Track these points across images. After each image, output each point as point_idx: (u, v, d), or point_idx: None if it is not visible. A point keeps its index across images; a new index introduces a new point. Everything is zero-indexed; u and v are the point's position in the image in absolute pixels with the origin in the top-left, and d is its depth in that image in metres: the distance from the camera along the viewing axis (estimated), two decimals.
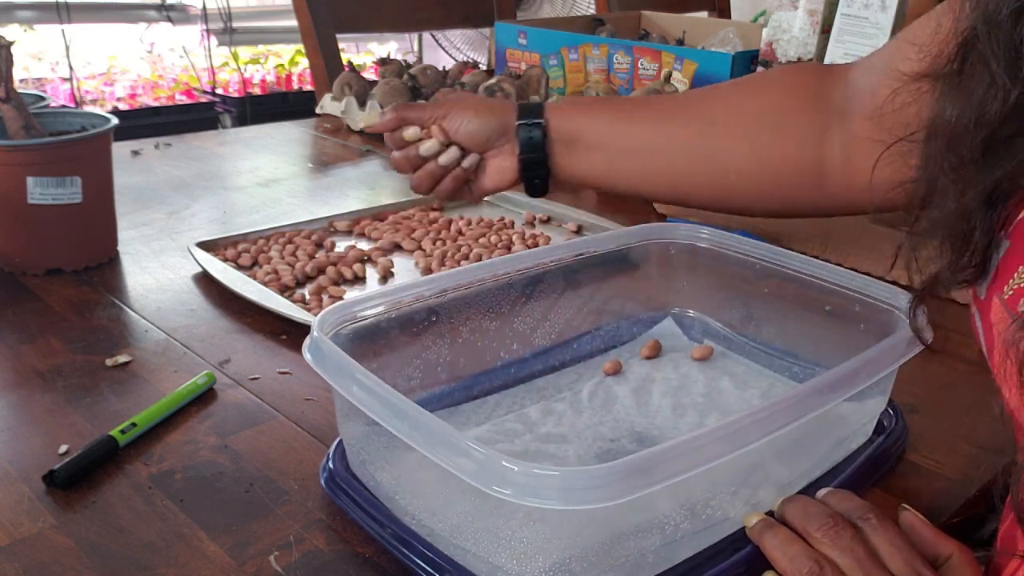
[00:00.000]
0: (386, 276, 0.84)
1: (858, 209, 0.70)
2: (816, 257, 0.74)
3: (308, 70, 1.80)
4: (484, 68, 1.59)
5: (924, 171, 0.45)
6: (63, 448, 0.55)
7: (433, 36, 2.67)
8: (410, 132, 0.75)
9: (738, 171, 0.70)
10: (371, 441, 0.50)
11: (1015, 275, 0.40)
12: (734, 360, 0.67)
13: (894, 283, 0.59)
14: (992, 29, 0.39)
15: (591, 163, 0.73)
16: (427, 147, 0.74)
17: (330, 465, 0.53)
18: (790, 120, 0.69)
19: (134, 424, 0.56)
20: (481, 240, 0.91)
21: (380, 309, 0.54)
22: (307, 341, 0.49)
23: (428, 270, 0.84)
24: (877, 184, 0.54)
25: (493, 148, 0.75)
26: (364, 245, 0.91)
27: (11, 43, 0.77)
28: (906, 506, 0.46)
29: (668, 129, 0.71)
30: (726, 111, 0.72)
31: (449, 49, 2.64)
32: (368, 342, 0.54)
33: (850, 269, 0.62)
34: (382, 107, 1.34)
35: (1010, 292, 0.41)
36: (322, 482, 0.52)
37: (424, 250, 0.89)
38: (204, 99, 2.83)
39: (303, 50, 1.72)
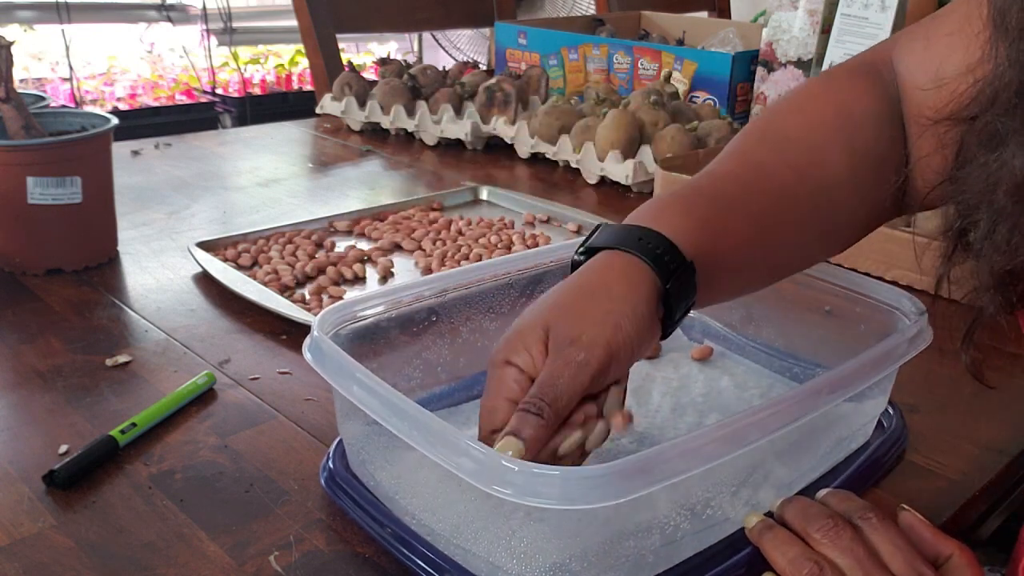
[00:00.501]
0: (386, 276, 0.84)
1: (916, 211, 0.60)
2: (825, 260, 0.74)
3: (308, 70, 1.80)
4: (484, 68, 1.59)
5: (961, 213, 0.44)
6: (63, 448, 0.55)
7: (433, 36, 2.67)
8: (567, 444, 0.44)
9: (849, 223, 0.57)
10: (371, 441, 0.50)
11: None
12: (734, 360, 0.67)
13: (894, 283, 0.59)
14: None
15: (723, 293, 0.55)
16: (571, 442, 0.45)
17: (330, 465, 0.53)
18: (881, 159, 0.56)
19: (134, 424, 0.56)
20: (481, 240, 0.91)
21: (380, 309, 0.54)
22: (307, 341, 0.49)
23: (428, 270, 0.84)
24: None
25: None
26: (364, 245, 0.91)
27: (11, 43, 0.77)
28: (906, 506, 0.46)
29: (789, 219, 0.54)
30: (821, 179, 0.55)
31: (449, 49, 2.64)
32: (368, 342, 0.54)
33: (851, 269, 0.62)
34: (382, 107, 1.35)
35: None
36: (322, 482, 0.52)
37: (424, 250, 0.89)
38: (204, 99, 2.83)
39: (303, 50, 1.72)
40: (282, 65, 3.22)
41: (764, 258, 0.53)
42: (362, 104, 1.37)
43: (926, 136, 0.47)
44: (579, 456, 0.45)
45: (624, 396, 0.47)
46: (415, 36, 2.90)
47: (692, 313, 0.69)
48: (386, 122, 1.35)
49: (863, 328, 0.58)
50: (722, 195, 0.52)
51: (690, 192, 0.52)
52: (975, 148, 0.43)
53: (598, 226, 0.49)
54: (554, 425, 0.43)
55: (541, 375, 0.43)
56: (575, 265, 0.48)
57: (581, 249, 0.49)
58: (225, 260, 0.83)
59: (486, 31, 2.46)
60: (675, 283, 0.46)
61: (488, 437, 0.44)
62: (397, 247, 0.90)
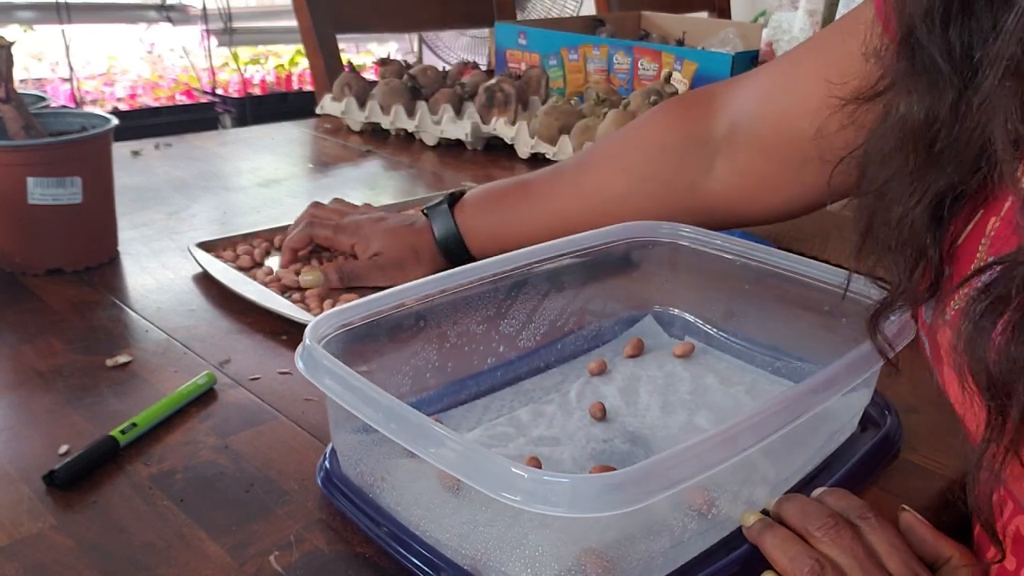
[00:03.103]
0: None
1: (762, 222, 0.77)
2: (815, 257, 0.74)
3: (308, 70, 1.80)
4: (484, 68, 1.59)
5: (870, 185, 0.45)
6: (63, 448, 0.56)
7: (429, 45, 2.68)
8: (307, 279, 0.78)
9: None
10: (369, 451, 0.50)
11: (956, 297, 0.41)
12: (715, 356, 0.68)
13: (880, 279, 0.59)
14: (930, 25, 0.40)
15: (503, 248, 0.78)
16: (307, 281, 0.77)
17: (327, 465, 0.53)
18: (664, 178, 0.74)
19: (134, 424, 0.57)
20: None
21: (370, 316, 0.54)
22: (299, 349, 0.49)
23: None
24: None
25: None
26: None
27: (11, 43, 0.77)
28: (906, 507, 0.46)
29: (552, 211, 0.78)
30: (599, 186, 0.77)
31: (447, 55, 2.64)
32: (359, 349, 0.53)
33: (849, 268, 0.62)
34: (382, 108, 1.35)
35: (950, 313, 0.41)
36: (319, 482, 0.52)
37: None
38: (204, 99, 2.83)
39: (303, 50, 1.72)
40: (282, 65, 3.22)
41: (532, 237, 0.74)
42: (362, 104, 1.37)
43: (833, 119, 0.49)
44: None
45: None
46: (415, 36, 2.90)
47: (673, 311, 0.71)
48: (386, 122, 1.35)
49: (844, 322, 0.58)
50: (508, 193, 0.81)
51: (497, 195, 0.81)
52: (881, 116, 0.44)
53: (462, 192, 0.81)
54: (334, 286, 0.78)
55: (356, 266, 0.78)
56: (430, 209, 0.80)
57: (439, 200, 0.79)
58: (225, 260, 0.83)
59: (481, 34, 2.47)
60: (456, 262, 0.71)
61: (286, 250, 0.82)
62: None
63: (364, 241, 0.79)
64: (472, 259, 0.76)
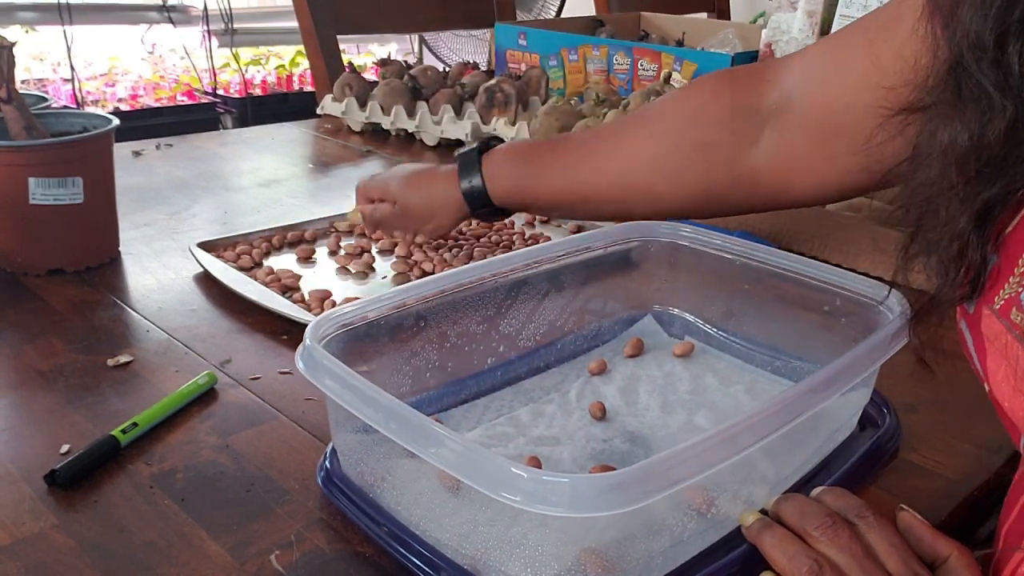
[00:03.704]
0: (366, 272, 0.85)
1: (792, 205, 0.73)
2: (815, 257, 0.74)
3: (309, 71, 1.80)
4: (484, 69, 1.59)
5: (915, 195, 0.45)
6: (64, 448, 0.56)
7: (429, 46, 2.67)
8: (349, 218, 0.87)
9: (669, 199, 0.72)
10: (369, 451, 0.50)
11: (1004, 286, 0.41)
12: (715, 356, 0.68)
13: (879, 279, 0.59)
14: (980, 55, 0.40)
15: (533, 210, 0.83)
16: (349, 217, 0.86)
17: (327, 465, 0.53)
18: (711, 144, 0.70)
19: (135, 424, 0.57)
20: (482, 240, 0.91)
21: (370, 316, 0.54)
22: (299, 350, 0.49)
23: (432, 270, 0.84)
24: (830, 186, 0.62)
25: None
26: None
27: (13, 44, 0.77)
28: (904, 506, 0.46)
29: (584, 170, 0.74)
30: (638, 147, 0.73)
31: (447, 56, 2.64)
32: (359, 349, 0.54)
33: (849, 269, 0.63)
34: (383, 108, 1.35)
35: (1000, 302, 0.41)
36: (319, 481, 0.52)
37: (421, 253, 0.89)
38: (205, 100, 2.83)
39: (304, 51, 1.72)
40: (283, 66, 3.22)
41: (572, 209, 0.81)
42: (363, 105, 1.38)
43: (884, 127, 0.49)
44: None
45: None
46: (415, 37, 2.90)
47: (673, 310, 0.71)
48: (387, 123, 1.35)
49: (844, 322, 0.59)
50: (550, 149, 0.77)
51: (528, 150, 0.78)
52: (926, 135, 0.44)
53: (489, 140, 0.80)
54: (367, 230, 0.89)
55: (386, 215, 0.83)
56: (460, 155, 0.78)
57: (471, 147, 0.78)
58: (226, 260, 0.83)
59: (482, 35, 2.46)
60: (479, 214, 0.79)
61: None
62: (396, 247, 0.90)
63: (383, 188, 0.82)
64: (492, 210, 0.78)
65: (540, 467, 0.53)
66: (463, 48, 2.68)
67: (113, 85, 2.89)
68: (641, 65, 1.44)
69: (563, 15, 2.10)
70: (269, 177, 1.16)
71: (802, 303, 0.62)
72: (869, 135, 0.52)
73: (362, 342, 0.54)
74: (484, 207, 0.77)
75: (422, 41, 2.81)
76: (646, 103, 0.83)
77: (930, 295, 0.46)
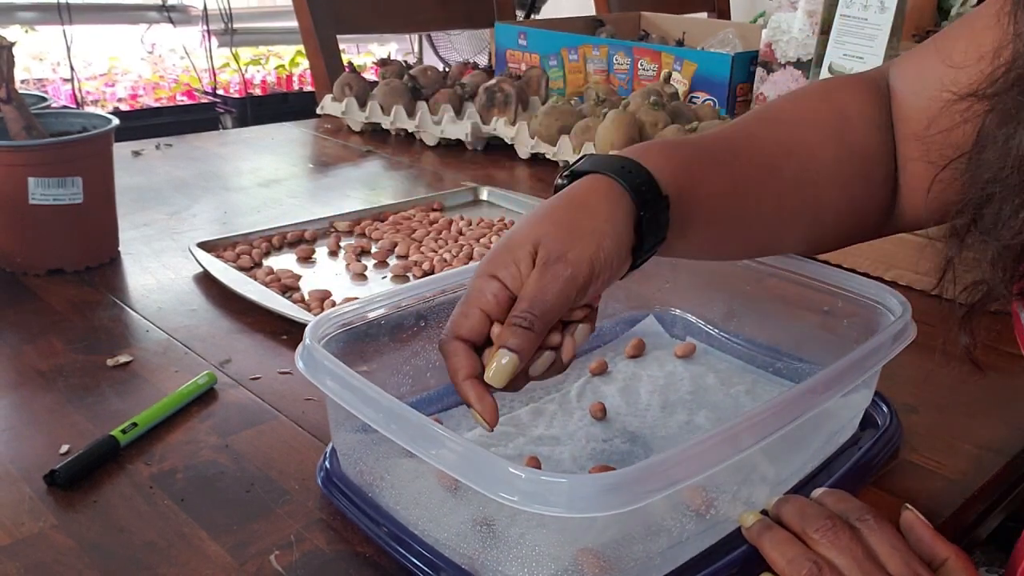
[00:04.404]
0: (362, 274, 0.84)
1: (905, 228, 0.62)
2: (813, 257, 0.74)
3: (309, 71, 1.80)
4: (484, 68, 1.59)
5: (974, 188, 0.45)
6: (64, 448, 0.56)
7: (433, 44, 2.67)
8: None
9: (831, 222, 0.59)
10: (368, 450, 0.50)
11: None
12: (717, 357, 0.68)
13: (893, 283, 0.59)
14: None
15: (697, 244, 0.55)
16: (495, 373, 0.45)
17: (327, 465, 0.53)
18: (871, 160, 0.58)
19: (135, 424, 0.57)
20: (482, 240, 0.91)
21: (371, 315, 0.54)
22: (299, 349, 0.49)
23: (431, 270, 0.85)
24: (928, 203, 0.51)
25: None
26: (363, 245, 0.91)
27: (12, 44, 0.77)
28: (909, 506, 0.46)
29: (769, 190, 0.56)
30: (810, 163, 0.57)
31: (448, 55, 2.64)
32: (359, 349, 0.54)
33: (848, 269, 0.62)
34: (382, 108, 1.35)
35: None
36: (319, 482, 0.52)
37: (420, 254, 0.89)
38: (205, 100, 2.83)
39: (304, 51, 1.72)
40: (283, 66, 3.22)
41: (739, 219, 0.54)
42: (362, 105, 1.38)
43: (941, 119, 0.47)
44: (522, 381, 0.47)
45: (590, 332, 0.48)
46: (415, 37, 2.90)
47: (674, 311, 0.71)
48: (386, 123, 1.35)
49: (846, 323, 0.59)
50: (707, 150, 0.54)
51: (677, 141, 0.54)
52: (993, 128, 0.44)
53: (583, 156, 0.51)
54: (540, 340, 0.45)
55: (528, 289, 0.45)
56: (558, 189, 0.50)
57: (566, 173, 0.50)
58: (226, 260, 0.83)
59: (484, 35, 2.46)
60: (649, 212, 0.48)
61: (450, 341, 0.45)
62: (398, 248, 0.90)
63: (503, 257, 0.46)
64: (663, 204, 0.49)
65: (540, 467, 0.53)
66: (465, 46, 2.68)
67: (113, 85, 2.89)
68: (641, 65, 1.44)
69: (564, 15, 2.10)
70: (269, 177, 1.16)
71: (804, 304, 0.62)
72: (932, 120, 0.50)
73: (362, 342, 0.54)
74: (652, 198, 0.48)
75: (428, 40, 2.81)
76: (784, 95, 0.62)
77: (984, 291, 0.45)
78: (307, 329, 0.50)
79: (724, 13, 2.35)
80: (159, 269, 0.84)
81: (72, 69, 2.64)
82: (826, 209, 0.57)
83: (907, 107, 0.57)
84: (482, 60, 2.49)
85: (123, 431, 0.56)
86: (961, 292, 0.47)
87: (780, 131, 0.58)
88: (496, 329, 0.45)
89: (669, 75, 1.39)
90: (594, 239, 0.46)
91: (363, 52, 3.48)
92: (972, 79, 0.46)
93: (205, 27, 2.94)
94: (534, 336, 0.44)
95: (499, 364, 0.44)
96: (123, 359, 0.67)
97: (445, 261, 0.86)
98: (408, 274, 0.84)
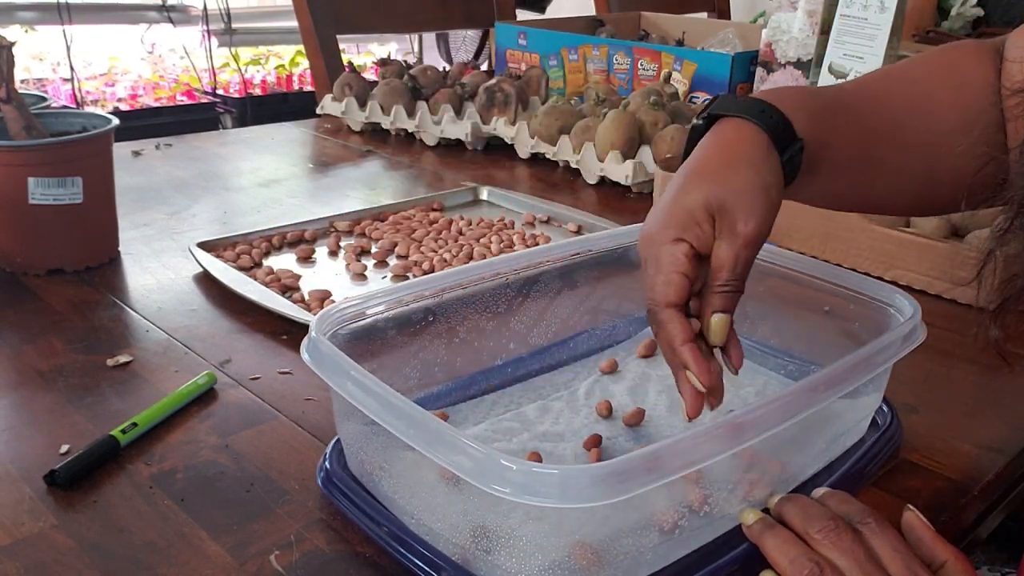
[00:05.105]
0: (362, 274, 0.84)
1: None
2: (815, 257, 0.74)
3: (308, 71, 1.80)
4: (484, 69, 1.59)
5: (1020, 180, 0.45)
6: (64, 448, 0.56)
7: (446, 44, 2.66)
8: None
9: (949, 184, 0.59)
10: (370, 441, 0.50)
11: None
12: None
13: (893, 283, 0.59)
14: None
15: (821, 191, 0.57)
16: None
17: (327, 465, 0.53)
18: (991, 126, 0.58)
19: (135, 424, 0.57)
20: (482, 240, 0.91)
21: (378, 309, 0.54)
22: (305, 341, 0.49)
23: (431, 270, 0.85)
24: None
25: None
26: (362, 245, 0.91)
27: (12, 44, 0.77)
28: (911, 507, 0.46)
29: (893, 146, 0.58)
30: (935, 124, 0.58)
31: (459, 57, 2.63)
32: (366, 342, 0.54)
33: (849, 268, 0.62)
34: (382, 108, 1.35)
35: None
36: (319, 482, 0.52)
37: (420, 254, 0.89)
38: (205, 100, 2.83)
39: (304, 51, 1.72)
40: (283, 66, 3.22)
41: (864, 171, 0.56)
42: (362, 105, 1.37)
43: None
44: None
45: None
46: (415, 37, 2.90)
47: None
48: (386, 122, 1.35)
49: (858, 326, 0.58)
50: (837, 101, 0.56)
51: (811, 89, 0.56)
52: None
53: (716, 96, 0.53)
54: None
55: (725, 257, 0.47)
56: (695, 129, 0.52)
57: (704, 114, 0.52)
58: (226, 260, 0.83)
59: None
60: (786, 156, 0.50)
61: (662, 310, 0.47)
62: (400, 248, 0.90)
63: (688, 221, 0.48)
64: (799, 145, 0.50)
65: (540, 461, 0.53)
66: (470, 45, 2.67)
67: (112, 85, 2.89)
68: (641, 65, 1.44)
69: (564, 15, 2.10)
70: (269, 177, 1.16)
71: (816, 306, 0.62)
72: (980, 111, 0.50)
73: (369, 335, 0.54)
74: (789, 140, 0.50)
75: (442, 40, 2.81)
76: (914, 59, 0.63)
77: (1020, 285, 0.45)
78: (313, 321, 0.50)
79: (724, 13, 2.35)
80: (159, 269, 0.84)
81: (72, 69, 2.64)
82: (945, 170, 0.58)
83: (1011, 74, 0.58)
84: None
85: (123, 431, 0.56)
86: (997, 287, 0.47)
87: (908, 89, 0.59)
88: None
89: (669, 75, 1.39)
90: (765, 194, 0.48)
91: (363, 52, 3.48)
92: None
93: (205, 27, 2.94)
94: (738, 296, 0.48)
95: (716, 323, 0.47)
96: (123, 359, 0.67)
97: (445, 261, 0.86)
98: (408, 274, 0.84)
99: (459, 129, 1.29)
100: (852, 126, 0.55)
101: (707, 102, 0.52)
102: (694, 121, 0.53)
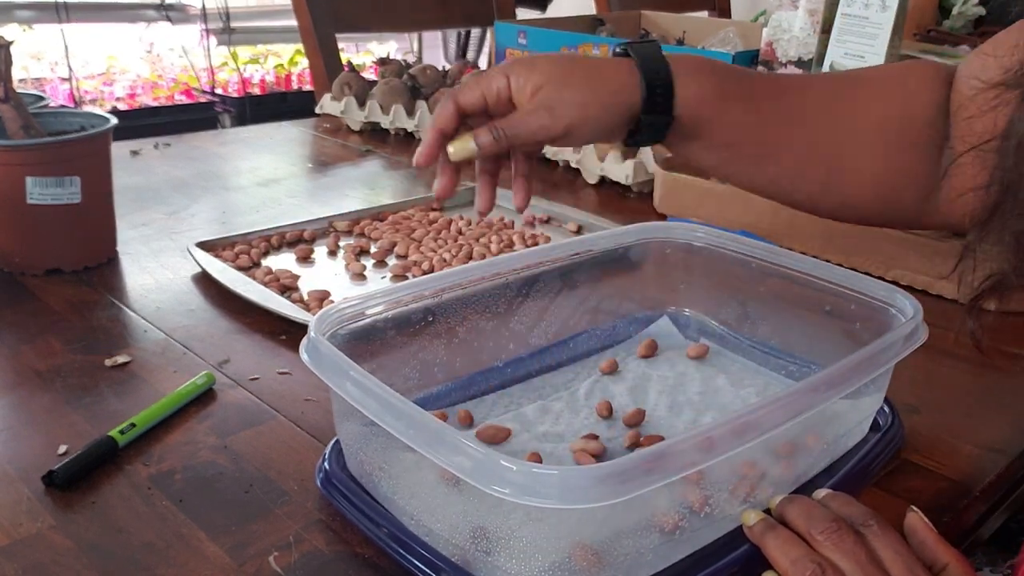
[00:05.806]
0: (361, 274, 0.84)
1: (944, 226, 0.65)
2: (816, 257, 0.74)
3: (307, 70, 1.80)
4: (484, 68, 1.59)
5: (1001, 175, 0.45)
6: (62, 448, 0.55)
7: (459, 43, 2.65)
8: (455, 149, 0.61)
9: (859, 183, 0.63)
10: (369, 442, 0.50)
11: None
12: (730, 358, 0.67)
13: (894, 283, 0.59)
14: None
15: (706, 158, 0.62)
16: (456, 151, 0.60)
17: (326, 466, 0.53)
18: (920, 135, 0.61)
19: (133, 424, 0.56)
20: (481, 240, 0.91)
21: (377, 309, 0.54)
22: (304, 341, 0.49)
23: (430, 269, 0.84)
24: (947, 194, 0.54)
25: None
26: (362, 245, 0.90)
27: (10, 43, 0.77)
28: (914, 508, 0.46)
29: (798, 133, 0.62)
30: (855, 118, 0.62)
31: (470, 57, 2.63)
32: (365, 342, 0.54)
33: (850, 269, 0.62)
34: (382, 107, 1.34)
35: None
36: (318, 483, 0.52)
37: (420, 254, 0.89)
38: (203, 99, 2.82)
39: (302, 50, 1.72)
40: (281, 65, 3.22)
41: (761, 149, 0.62)
42: (362, 104, 1.37)
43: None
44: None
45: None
46: (415, 36, 2.90)
47: (688, 312, 0.70)
48: (386, 122, 1.35)
49: (859, 326, 0.58)
50: (753, 82, 0.62)
51: (730, 68, 0.62)
52: (1016, 120, 0.44)
53: (652, 40, 0.64)
54: (498, 151, 0.60)
55: (514, 115, 0.57)
56: (634, 45, 0.60)
57: (623, 46, 0.60)
58: (224, 260, 0.83)
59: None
60: (649, 119, 0.58)
61: (449, 98, 0.59)
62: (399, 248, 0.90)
63: (521, 72, 0.57)
64: (660, 123, 0.59)
65: (540, 462, 0.53)
66: (475, 44, 2.67)
67: (111, 84, 2.88)
68: None
69: (564, 14, 2.10)
70: (268, 177, 1.16)
71: (817, 307, 0.61)
72: (957, 109, 0.51)
73: (368, 336, 0.54)
74: (660, 111, 0.58)
75: (457, 40, 2.81)
76: (856, 70, 0.69)
77: (996, 278, 0.45)
78: (312, 321, 0.50)
79: (725, 12, 2.35)
80: (157, 269, 0.84)
81: (70, 68, 2.63)
82: (860, 165, 0.62)
83: (959, 96, 0.60)
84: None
85: (121, 432, 0.56)
86: (975, 281, 0.47)
87: (836, 82, 0.64)
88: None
89: None
90: (584, 110, 0.56)
91: (362, 51, 3.48)
92: (1005, 67, 0.46)
93: (203, 26, 2.94)
94: (496, 146, 0.58)
95: (463, 145, 0.59)
96: (121, 359, 0.67)
97: (444, 261, 0.85)
98: (407, 274, 0.84)
99: None
100: (754, 107, 0.61)
101: (640, 39, 0.61)
102: (615, 48, 0.61)
